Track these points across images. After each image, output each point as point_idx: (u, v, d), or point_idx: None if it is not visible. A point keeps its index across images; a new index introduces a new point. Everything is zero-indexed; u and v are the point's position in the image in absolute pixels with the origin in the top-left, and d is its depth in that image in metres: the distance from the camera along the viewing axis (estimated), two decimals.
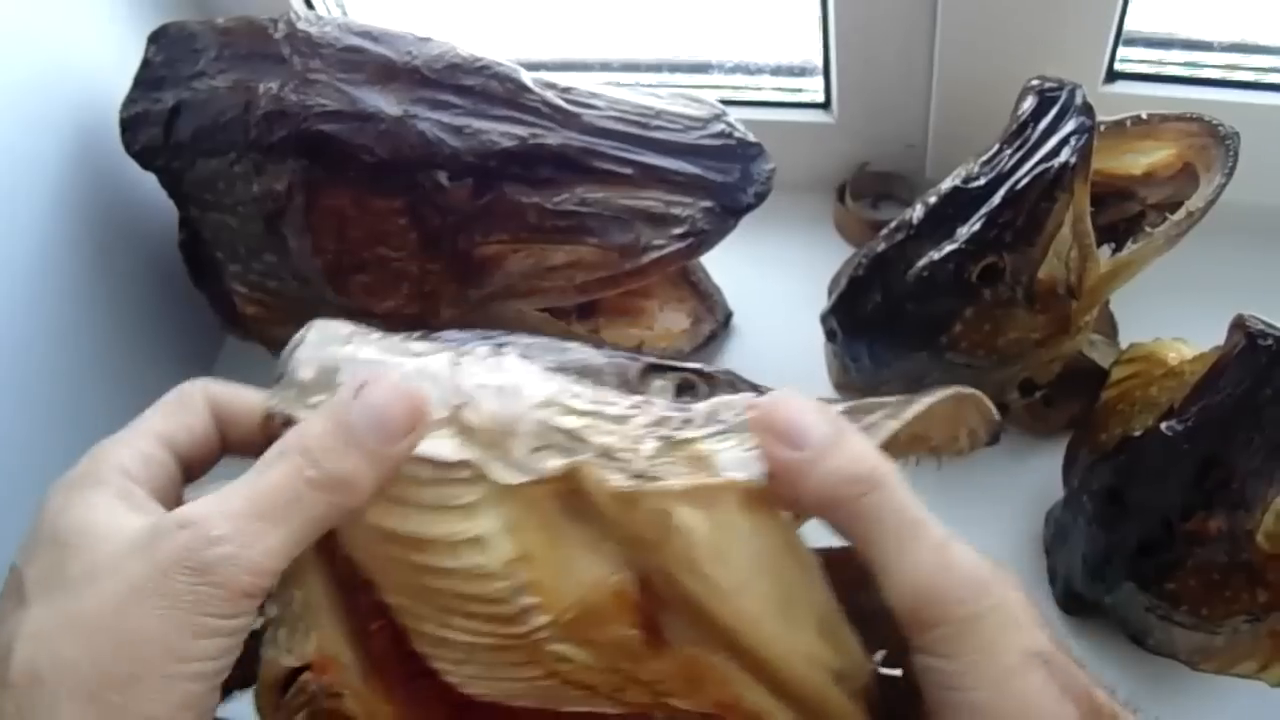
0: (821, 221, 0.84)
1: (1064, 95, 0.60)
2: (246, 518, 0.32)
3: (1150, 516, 0.59)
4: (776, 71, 0.81)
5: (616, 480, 0.33)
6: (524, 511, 0.33)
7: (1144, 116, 0.65)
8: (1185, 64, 0.73)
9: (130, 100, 0.68)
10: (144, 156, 0.68)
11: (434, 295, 0.67)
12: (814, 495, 0.34)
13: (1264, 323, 0.54)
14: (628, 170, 0.64)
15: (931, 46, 0.72)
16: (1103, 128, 0.62)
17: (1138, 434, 0.60)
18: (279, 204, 0.66)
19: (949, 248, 0.63)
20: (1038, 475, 0.72)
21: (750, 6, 0.83)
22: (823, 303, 0.77)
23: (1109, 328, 0.75)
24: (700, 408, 0.36)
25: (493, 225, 0.65)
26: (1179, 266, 0.67)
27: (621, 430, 0.34)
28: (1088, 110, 0.59)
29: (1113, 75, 0.72)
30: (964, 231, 0.63)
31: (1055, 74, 0.64)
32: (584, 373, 0.37)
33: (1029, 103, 0.62)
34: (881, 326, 0.67)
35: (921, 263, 0.64)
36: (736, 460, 0.34)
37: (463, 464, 0.33)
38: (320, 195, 0.65)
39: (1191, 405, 0.58)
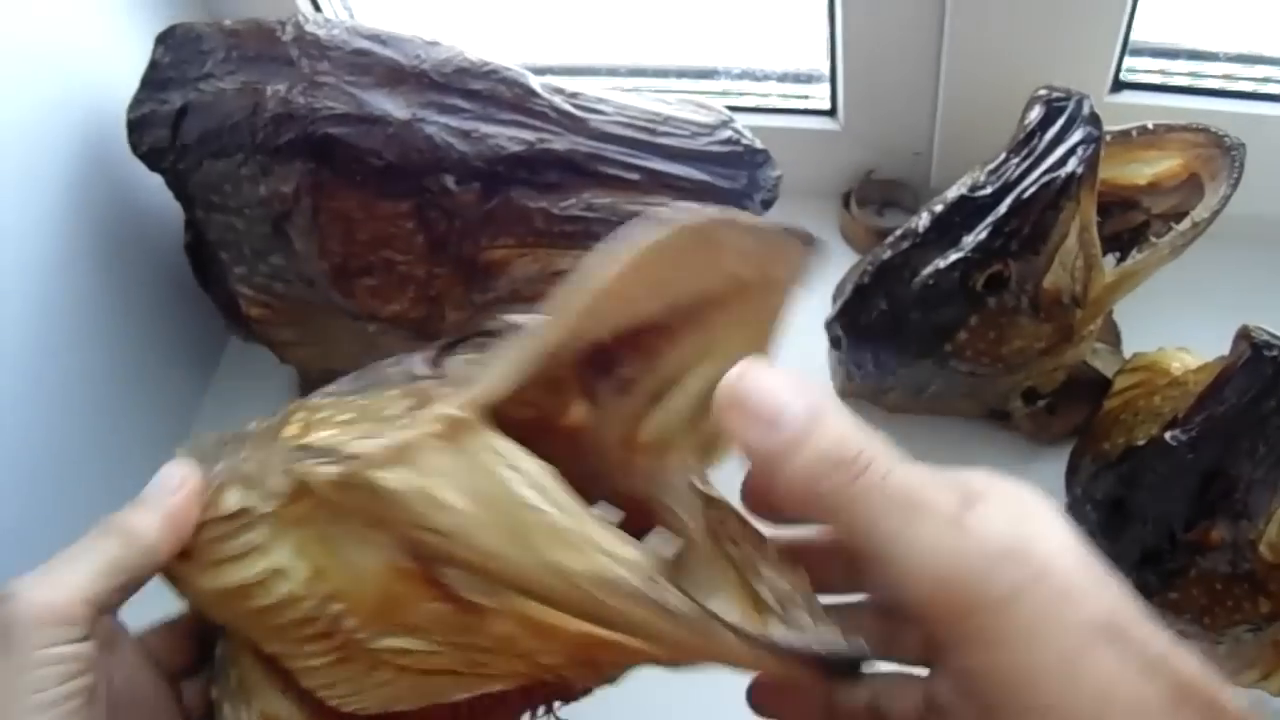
0: (827, 228, 0.84)
1: (1071, 105, 0.61)
2: (40, 572, 0.37)
3: (1153, 526, 0.59)
4: (783, 78, 0.81)
5: (329, 471, 0.33)
6: (302, 532, 0.35)
7: (1150, 127, 0.65)
8: (1191, 74, 0.73)
9: (137, 101, 0.68)
10: (151, 158, 0.68)
11: (439, 299, 0.67)
12: (794, 487, 0.30)
13: (1269, 334, 0.54)
14: (634, 176, 0.64)
15: (938, 55, 0.72)
16: (1109, 138, 0.62)
17: (1141, 443, 0.60)
18: (286, 206, 0.66)
19: (954, 256, 0.63)
20: (1040, 483, 0.70)
21: (758, 13, 0.83)
22: (827, 309, 0.77)
23: (1112, 336, 0.75)
24: (456, 363, 0.36)
25: (499, 230, 0.65)
26: (1182, 276, 0.67)
27: (366, 425, 0.35)
28: (1095, 120, 0.60)
29: (1119, 85, 0.72)
30: (970, 240, 0.63)
31: (1062, 83, 0.65)
32: (372, 385, 0.38)
33: (1036, 112, 0.62)
34: (886, 334, 0.67)
35: (927, 270, 0.64)
36: (448, 404, 0.33)
37: (243, 511, 0.37)
38: (327, 198, 0.65)
39: (1195, 415, 0.58)
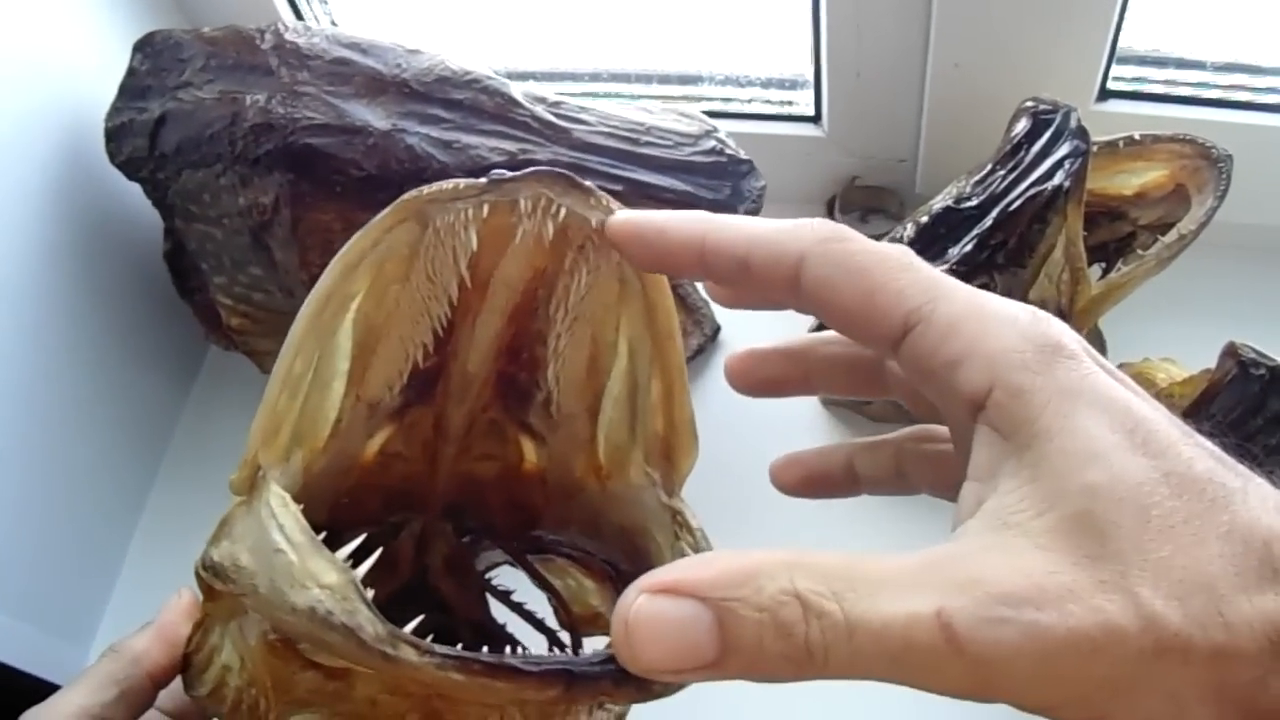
0: None
1: (1059, 118, 0.60)
2: (50, 699, 0.41)
3: None
4: (767, 85, 0.80)
5: (198, 560, 0.35)
6: (229, 625, 0.36)
7: (1136, 137, 0.65)
8: (1178, 83, 0.72)
9: (115, 110, 0.67)
10: (129, 167, 0.67)
11: None
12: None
13: (1256, 351, 0.54)
14: (618, 187, 0.63)
15: (924, 62, 0.71)
16: (1095, 148, 0.61)
17: None
18: (265, 217, 0.65)
19: (940, 268, 0.63)
20: None
21: (742, 18, 0.83)
22: (810, 318, 0.77)
23: (1098, 346, 0.75)
24: None
25: None
26: (1168, 286, 0.67)
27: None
28: (1082, 134, 0.59)
29: (1105, 93, 0.72)
30: (955, 252, 0.63)
31: (1048, 92, 0.64)
32: None
33: (1023, 124, 0.62)
34: None
35: None
36: None
37: (205, 616, 0.38)
38: (307, 209, 0.64)
39: None
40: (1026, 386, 0.27)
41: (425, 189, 0.33)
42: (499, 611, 0.46)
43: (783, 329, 0.77)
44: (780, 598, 0.24)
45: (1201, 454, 0.26)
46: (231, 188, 0.65)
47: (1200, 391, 0.57)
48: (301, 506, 0.31)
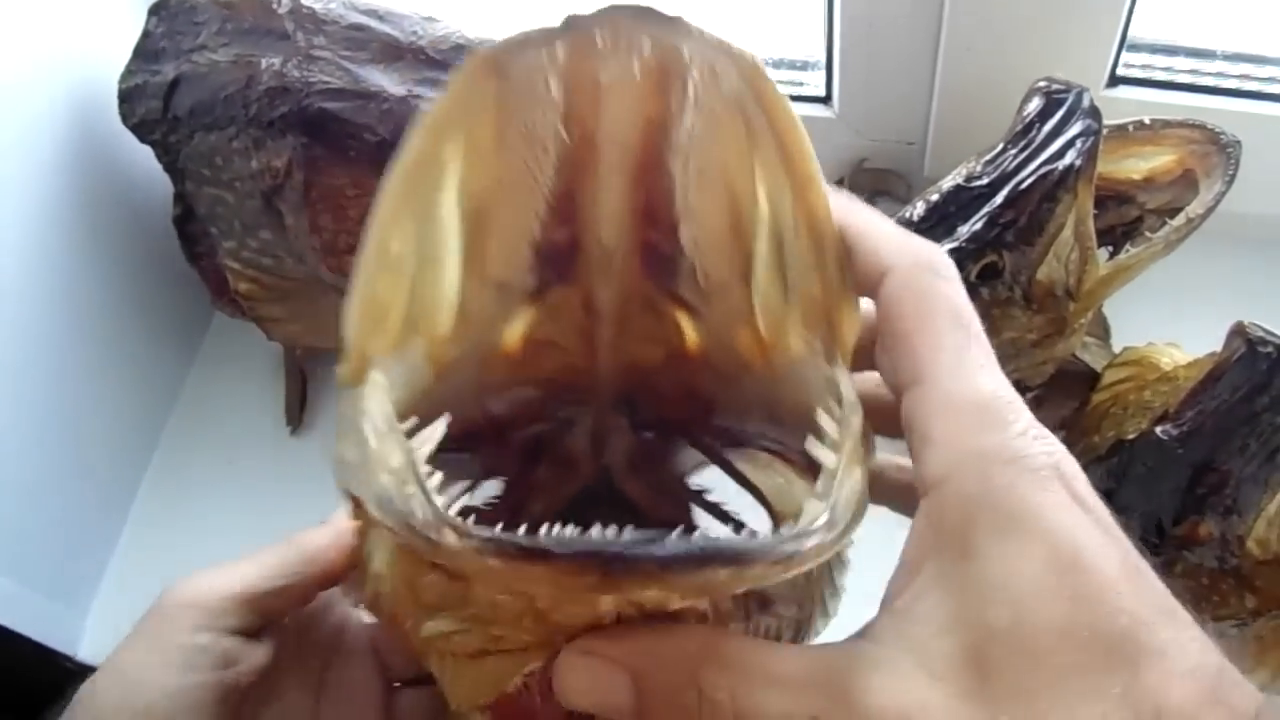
0: None
1: (1071, 97, 0.61)
2: (209, 566, 0.40)
3: (1141, 519, 0.59)
4: (778, 65, 0.80)
5: None
6: (375, 533, 0.35)
7: (1146, 122, 0.65)
8: (1189, 71, 0.73)
9: (129, 72, 0.67)
10: (141, 129, 0.67)
11: None
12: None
13: (1264, 330, 0.55)
14: None
15: (936, 44, 0.72)
16: (1105, 131, 0.62)
17: (1131, 437, 0.61)
18: (277, 181, 0.65)
19: (948, 245, 0.63)
20: None
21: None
22: None
23: (1101, 330, 0.75)
24: None
25: None
26: (1173, 271, 0.67)
27: None
28: (1094, 113, 0.60)
29: (1115, 80, 0.72)
30: (964, 230, 0.63)
31: (1059, 75, 0.65)
32: None
33: (1035, 103, 0.62)
34: None
35: None
36: None
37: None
38: (320, 173, 0.64)
39: (1187, 410, 0.58)
40: (974, 495, 0.27)
41: (493, 48, 0.30)
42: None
43: None
44: (681, 686, 0.27)
45: (1135, 604, 0.26)
46: (244, 151, 0.65)
47: (1206, 371, 0.57)
48: (443, 414, 0.30)
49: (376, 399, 0.30)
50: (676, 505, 0.44)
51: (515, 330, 0.37)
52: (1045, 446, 0.28)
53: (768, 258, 0.33)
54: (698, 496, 0.45)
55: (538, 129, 0.31)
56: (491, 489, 0.43)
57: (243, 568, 0.39)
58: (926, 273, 0.31)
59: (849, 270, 0.32)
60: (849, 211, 0.32)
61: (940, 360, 0.30)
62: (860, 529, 0.30)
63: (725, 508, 0.44)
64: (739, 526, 0.41)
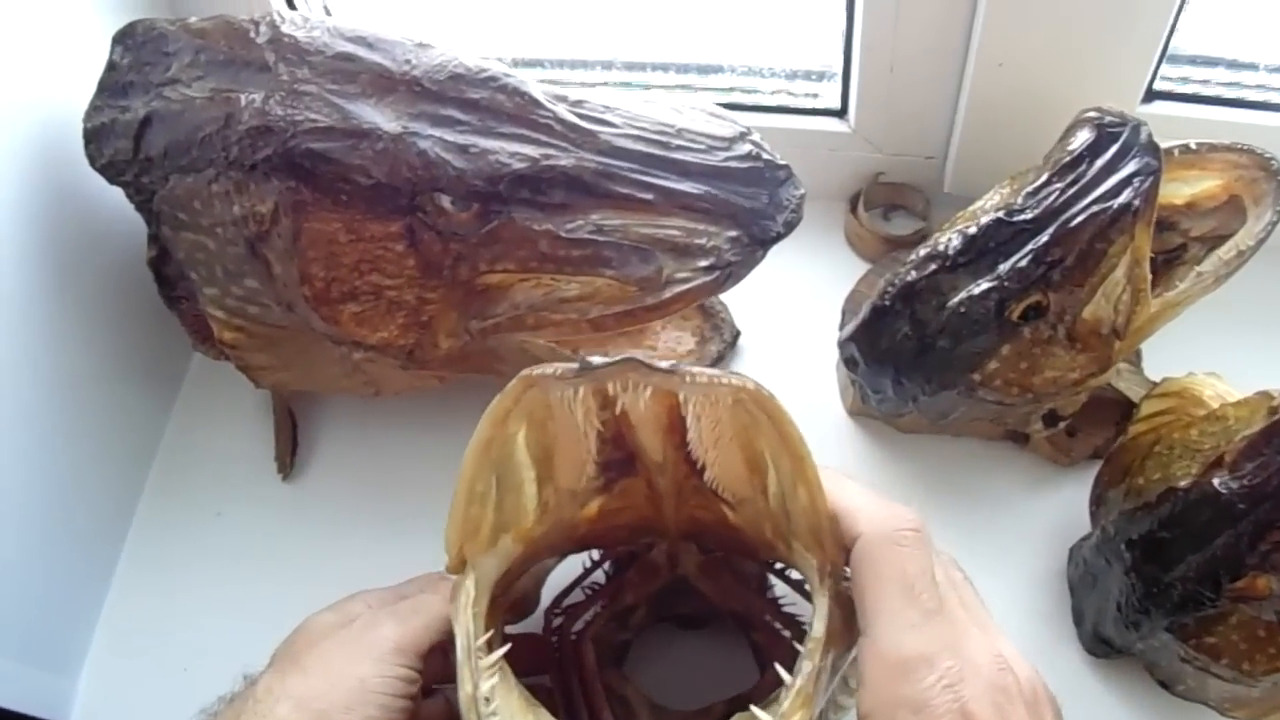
0: (832, 231, 0.80)
1: (1127, 131, 0.57)
2: (399, 611, 0.52)
3: (1196, 571, 0.56)
4: (792, 76, 0.76)
5: None
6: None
7: (1193, 146, 0.62)
8: (1228, 84, 0.69)
9: (94, 108, 0.61)
10: (110, 170, 0.62)
11: (431, 325, 0.62)
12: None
13: None
14: (648, 196, 0.59)
15: (965, 57, 0.68)
16: None
17: (1183, 485, 0.57)
18: (263, 227, 0.60)
19: (988, 283, 0.60)
20: (1061, 507, 0.69)
21: (769, 7, 0.78)
22: (834, 319, 0.74)
23: (1133, 355, 0.72)
24: None
25: (499, 253, 0.60)
26: (1208, 298, 0.64)
27: None
28: (1153, 150, 0.56)
29: (1151, 94, 0.69)
30: (1006, 268, 0.59)
31: (1093, 92, 0.61)
32: None
33: (1085, 135, 0.58)
34: (909, 360, 0.64)
35: (958, 297, 0.60)
36: None
37: None
38: (309, 218, 0.59)
39: (1247, 461, 0.55)
40: None
41: (532, 372, 0.43)
42: None
43: (803, 335, 0.74)
44: None
45: None
46: (225, 195, 0.60)
47: (1269, 423, 0.54)
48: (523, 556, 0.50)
49: (465, 617, 0.44)
50: (742, 598, 0.61)
51: (592, 508, 0.52)
52: (951, 695, 0.38)
53: (777, 494, 0.46)
54: (762, 593, 0.61)
55: (581, 419, 0.45)
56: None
57: (424, 620, 0.50)
58: (886, 543, 0.42)
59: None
60: (834, 483, 0.44)
61: (879, 620, 0.40)
62: None
63: (782, 603, 0.60)
64: (791, 621, 0.59)
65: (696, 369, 0.41)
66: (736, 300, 0.75)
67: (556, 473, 0.49)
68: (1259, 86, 0.69)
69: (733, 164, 0.60)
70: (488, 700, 0.42)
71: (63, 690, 0.68)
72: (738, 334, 0.75)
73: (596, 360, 0.41)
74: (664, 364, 0.41)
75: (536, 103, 0.60)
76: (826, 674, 0.44)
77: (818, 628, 0.43)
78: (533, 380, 0.42)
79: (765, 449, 0.44)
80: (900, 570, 0.41)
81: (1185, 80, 0.70)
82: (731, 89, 0.77)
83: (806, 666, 0.42)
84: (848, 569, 0.44)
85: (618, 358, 0.41)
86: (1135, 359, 0.72)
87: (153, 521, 0.74)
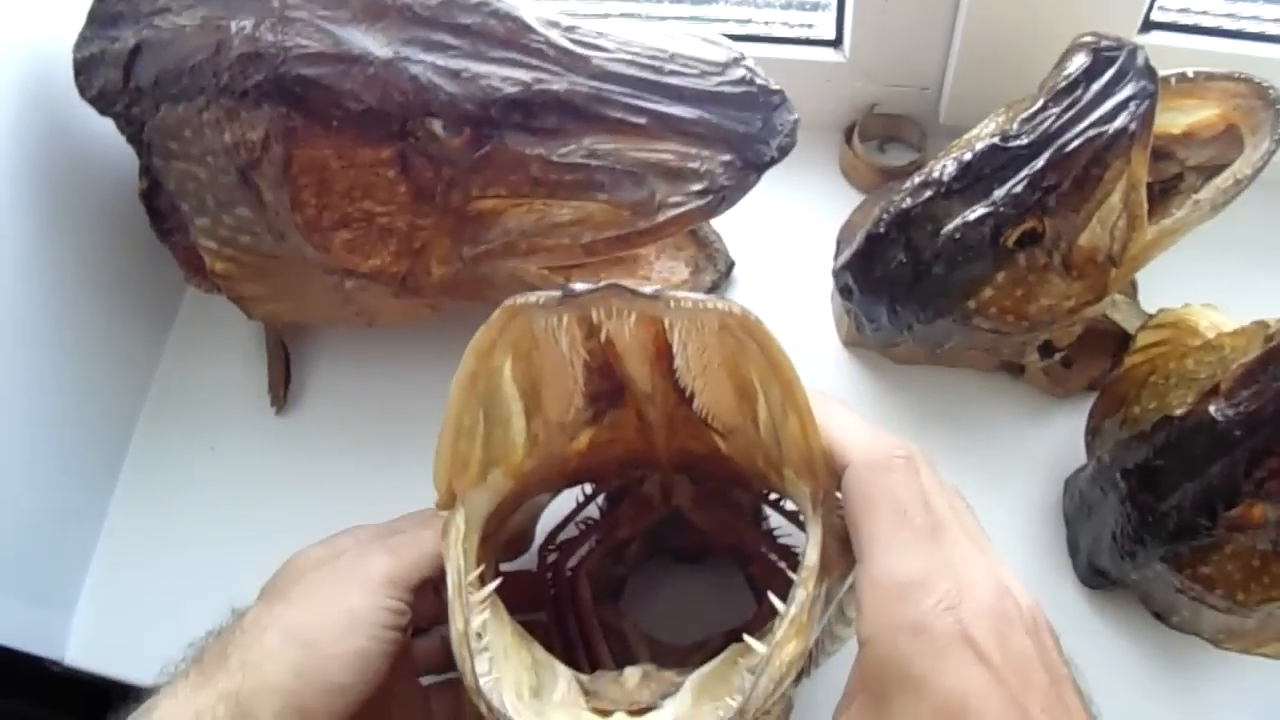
0: (827, 163, 0.79)
1: (1123, 56, 0.56)
2: (391, 543, 0.51)
3: (1192, 500, 0.56)
4: (787, 6, 0.75)
5: None
6: None
7: (1189, 74, 0.61)
8: (1227, 15, 0.68)
9: (84, 39, 0.61)
10: (101, 101, 0.61)
11: (424, 252, 0.62)
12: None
13: None
14: (640, 120, 0.58)
15: None
16: None
17: (1179, 413, 0.57)
18: (254, 154, 0.59)
19: (983, 209, 0.59)
20: (1056, 438, 0.69)
21: None
22: (829, 251, 0.73)
23: (1129, 287, 0.72)
24: None
25: (491, 178, 0.59)
26: (1201, 228, 0.64)
27: None
28: (1150, 74, 0.55)
29: (1149, 24, 0.68)
30: (1001, 193, 0.59)
31: (1089, 21, 0.60)
32: None
33: (1080, 60, 0.58)
34: (904, 288, 0.63)
35: (953, 224, 0.60)
36: None
37: None
38: (300, 145, 0.59)
39: (1243, 388, 0.55)
40: (886, 659, 0.38)
41: (515, 301, 0.42)
42: None
43: (798, 266, 0.74)
44: None
45: None
46: (216, 123, 0.60)
47: (1266, 350, 0.54)
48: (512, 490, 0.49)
49: (455, 552, 0.44)
50: (737, 531, 0.61)
51: (582, 441, 0.51)
52: (952, 616, 0.38)
53: (768, 422, 0.46)
54: (756, 524, 0.61)
55: (567, 348, 0.44)
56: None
57: (419, 551, 0.50)
58: (876, 470, 0.42)
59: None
60: (824, 410, 0.44)
61: (874, 546, 0.40)
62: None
63: (777, 534, 0.61)
64: (787, 552, 0.60)
65: (681, 294, 0.40)
66: (732, 232, 0.74)
67: (544, 405, 0.48)
68: (1254, 18, 0.68)
69: (726, 89, 0.60)
70: (479, 635, 0.42)
71: (57, 625, 0.68)
72: (732, 264, 0.74)
73: (579, 287, 0.40)
74: (648, 289, 0.40)
75: (528, 27, 0.59)
76: (821, 603, 0.44)
77: (811, 556, 0.42)
78: (516, 309, 0.42)
79: (754, 376, 0.44)
80: (891, 495, 0.41)
81: (1184, 10, 0.69)
82: (726, 19, 0.76)
83: (800, 595, 0.41)
84: (840, 494, 0.44)
85: (601, 284, 0.40)
86: (1131, 290, 0.72)
87: (147, 456, 0.74)
